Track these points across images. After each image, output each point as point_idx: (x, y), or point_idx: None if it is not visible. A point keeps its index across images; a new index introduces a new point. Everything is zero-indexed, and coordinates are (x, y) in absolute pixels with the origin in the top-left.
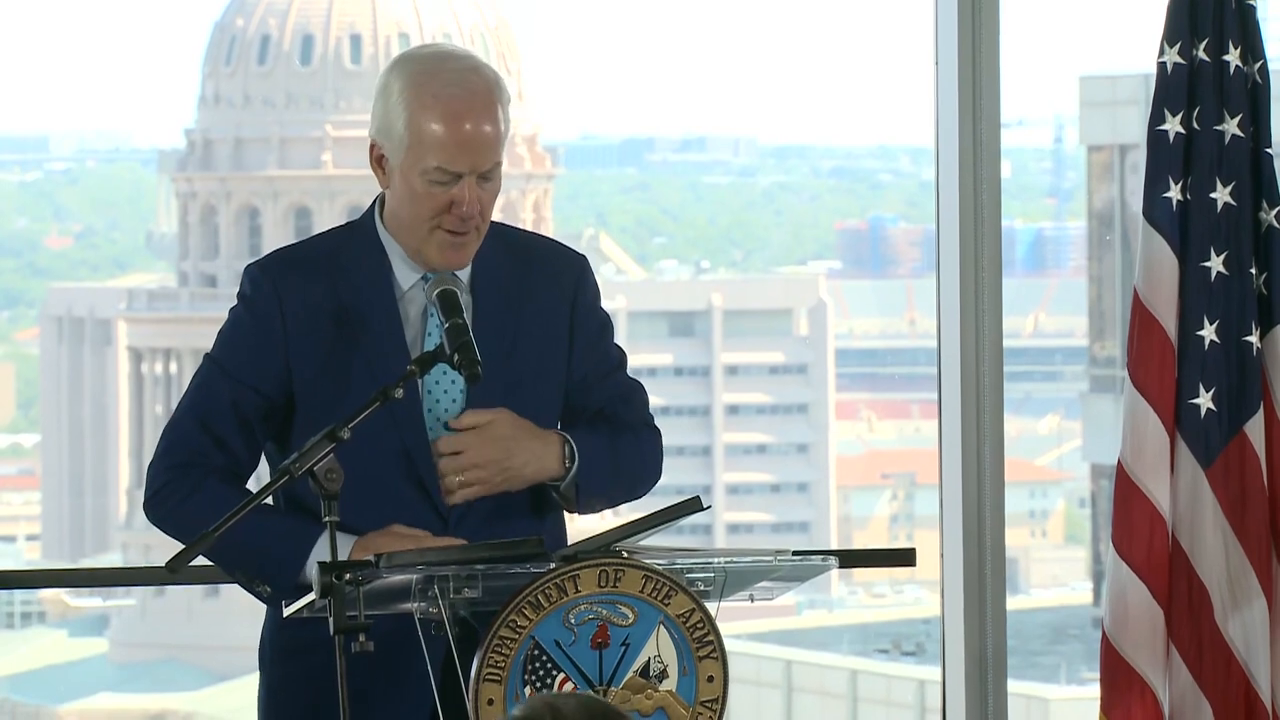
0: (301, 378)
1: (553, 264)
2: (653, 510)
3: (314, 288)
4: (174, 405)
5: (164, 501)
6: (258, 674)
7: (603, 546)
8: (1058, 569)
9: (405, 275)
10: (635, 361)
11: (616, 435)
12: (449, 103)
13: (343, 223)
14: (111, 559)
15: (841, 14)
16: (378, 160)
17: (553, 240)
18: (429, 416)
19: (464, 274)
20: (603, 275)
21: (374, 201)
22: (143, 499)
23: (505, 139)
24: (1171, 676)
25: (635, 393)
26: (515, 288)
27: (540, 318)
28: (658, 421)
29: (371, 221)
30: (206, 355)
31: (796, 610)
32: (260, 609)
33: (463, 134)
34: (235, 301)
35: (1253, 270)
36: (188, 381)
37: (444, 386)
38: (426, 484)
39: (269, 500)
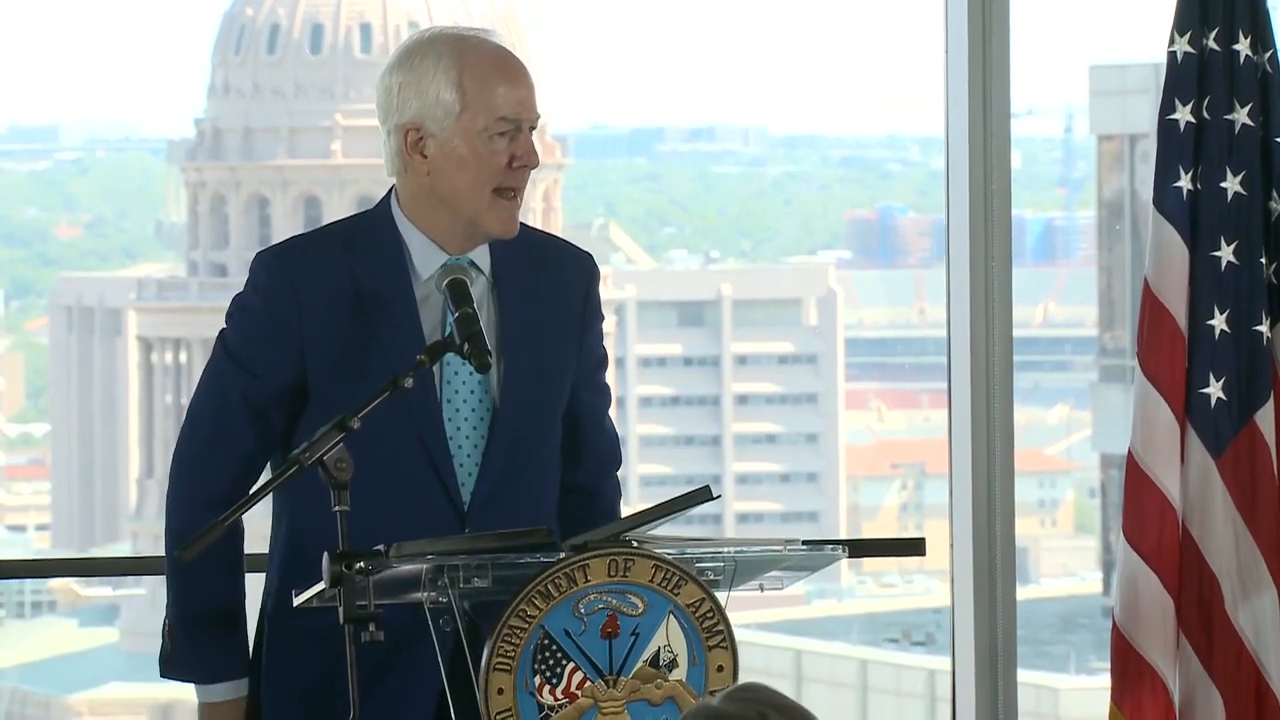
0: (316, 366)
1: (567, 261)
2: (663, 500)
3: (330, 275)
4: (184, 395)
5: (180, 536)
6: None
7: (613, 536)
8: (1067, 559)
9: (424, 264)
10: (645, 351)
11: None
12: (494, 58)
13: (356, 210)
14: (121, 548)
15: (851, 3)
16: (414, 145)
17: (562, 239)
18: (447, 407)
19: (485, 266)
20: (612, 265)
21: (389, 192)
22: (166, 511)
23: None
24: (1182, 666)
25: (610, 417)
26: (534, 281)
27: (558, 312)
28: (667, 413)
29: (388, 210)
30: (218, 347)
31: (806, 600)
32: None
33: (515, 83)
34: (245, 287)
35: (1263, 260)
36: (198, 371)
37: (462, 378)
38: (442, 474)
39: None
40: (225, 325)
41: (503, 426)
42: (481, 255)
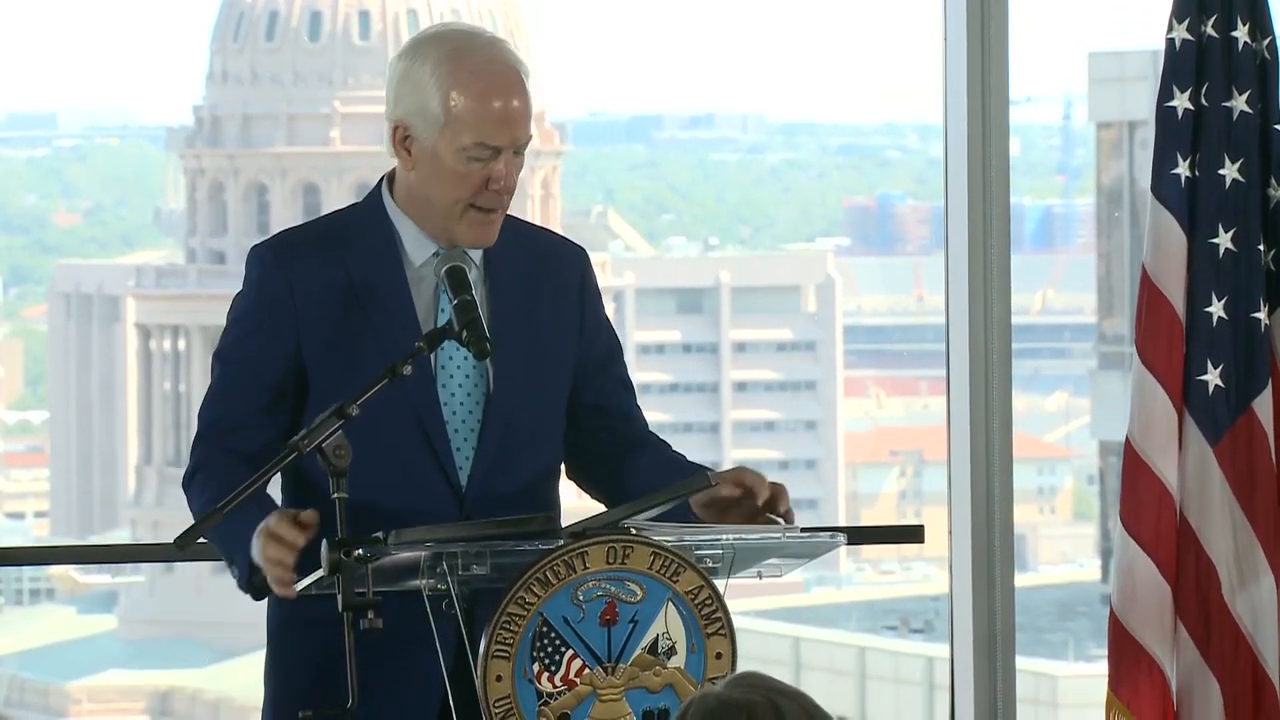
0: (314, 356)
1: (560, 252)
2: (661, 488)
3: (324, 266)
4: (182, 382)
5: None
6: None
7: (611, 523)
8: (1066, 546)
9: (417, 252)
10: (643, 338)
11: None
12: (488, 79)
13: (349, 202)
14: (120, 535)
15: None
16: (402, 142)
17: (554, 232)
18: (443, 392)
19: (477, 255)
20: (611, 252)
21: (380, 180)
22: (192, 509)
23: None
24: (1179, 654)
25: (635, 399)
26: (527, 272)
27: (554, 302)
28: (666, 400)
29: (379, 199)
30: (216, 363)
31: (805, 587)
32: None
33: (502, 108)
34: (242, 285)
35: (1261, 247)
36: (196, 358)
37: (457, 363)
38: (441, 457)
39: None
40: (223, 332)
41: (497, 411)
42: None
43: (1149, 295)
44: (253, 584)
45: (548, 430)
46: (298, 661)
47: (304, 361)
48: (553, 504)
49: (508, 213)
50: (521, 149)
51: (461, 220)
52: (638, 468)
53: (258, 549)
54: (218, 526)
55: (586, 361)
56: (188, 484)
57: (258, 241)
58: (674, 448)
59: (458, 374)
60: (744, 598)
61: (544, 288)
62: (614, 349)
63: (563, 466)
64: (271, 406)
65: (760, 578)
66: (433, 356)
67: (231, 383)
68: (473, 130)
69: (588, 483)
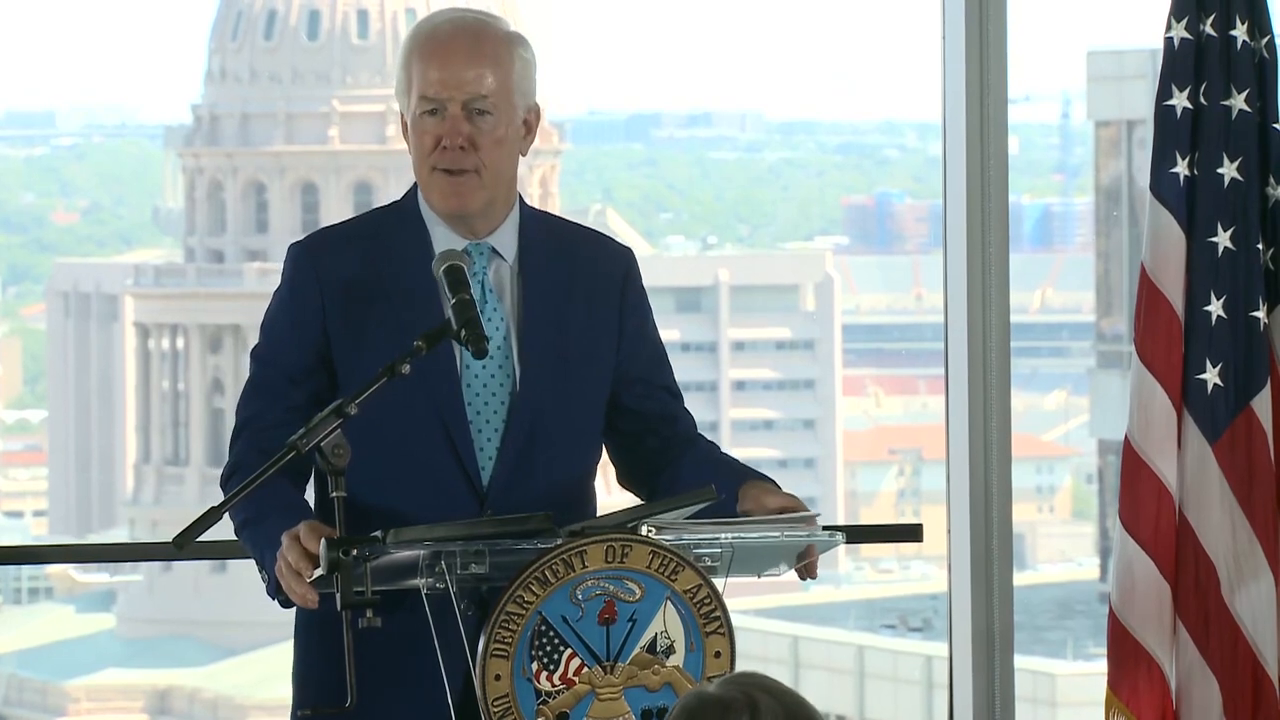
0: (341, 354)
1: (601, 253)
2: (665, 496)
3: (353, 262)
4: (180, 381)
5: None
6: (269, 648)
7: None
8: (1065, 544)
9: (446, 249)
10: None
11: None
12: (436, 38)
13: (347, 201)
14: (118, 534)
15: None
16: (403, 129)
17: (599, 232)
18: (467, 391)
19: (511, 254)
20: None
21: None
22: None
23: (510, 85)
24: (1178, 652)
25: (683, 403)
26: (563, 271)
27: (589, 303)
28: None
29: (414, 198)
30: (253, 363)
31: (803, 586)
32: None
33: (442, 62)
34: (279, 283)
35: (1260, 245)
36: (195, 357)
37: (483, 362)
38: (464, 460)
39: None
40: (260, 330)
41: (522, 411)
42: (509, 242)
43: (1148, 294)
44: (281, 590)
45: (578, 432)
46: (321, 660)
47: (334, 360)
48: (582, 507)
49: (552, 213)
50: (480, 110)
51: (430, 184)
52: (680, 469)
53: (281, 554)
54: (251, 531)
55: (628, 366)
56: (224, 484)
57: (293, 241)
58: (720, 448)
59: (483, 374)
60: (743, 596)
61: (579, 288)
62: (659, 354)
63: (603, 470)
64: (304, 404)
65: (759, 576)
66: (457, 355)
67: (264, 381)
68: (418, 88)
69: (636, 488)
